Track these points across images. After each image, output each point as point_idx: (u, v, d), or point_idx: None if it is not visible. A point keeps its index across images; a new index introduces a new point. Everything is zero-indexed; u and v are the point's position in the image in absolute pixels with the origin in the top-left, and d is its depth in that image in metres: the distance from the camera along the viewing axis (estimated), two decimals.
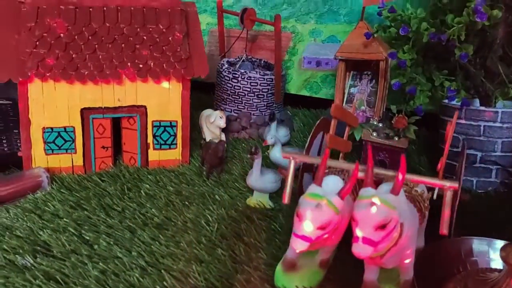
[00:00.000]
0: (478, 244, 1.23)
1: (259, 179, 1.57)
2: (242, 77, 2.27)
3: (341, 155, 1.58)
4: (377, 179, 1.17)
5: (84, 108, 1.70)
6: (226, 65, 2.35)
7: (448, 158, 1.36)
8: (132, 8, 1.75)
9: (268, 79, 2.30)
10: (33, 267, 1.20)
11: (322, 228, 0.98)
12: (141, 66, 1.71)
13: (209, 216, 1.49)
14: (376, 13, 1.92)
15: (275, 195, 1.63)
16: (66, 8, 1.67)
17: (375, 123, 1.84)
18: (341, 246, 1.17)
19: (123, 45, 1.71)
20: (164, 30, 1.76)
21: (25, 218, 1.42)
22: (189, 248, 1.32)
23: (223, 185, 1.73)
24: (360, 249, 0.92)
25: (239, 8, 2.43)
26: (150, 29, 1.75)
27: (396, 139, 1.74)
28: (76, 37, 1.66)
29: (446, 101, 1.78)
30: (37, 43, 1.61)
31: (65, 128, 1.70)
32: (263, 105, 2.34)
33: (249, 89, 2.29)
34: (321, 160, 1.09)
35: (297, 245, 0.98)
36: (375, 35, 1.96)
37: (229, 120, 2.17)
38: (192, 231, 1.41)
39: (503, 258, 1.00)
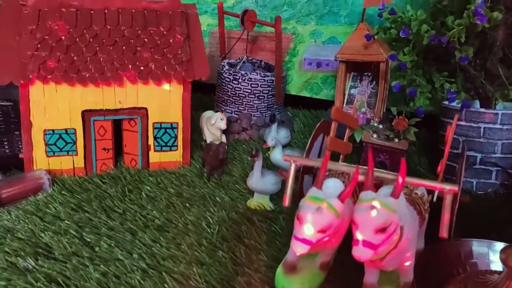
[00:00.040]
0: (477, 246, 1.24)
1: (260, 181, 1.57)
2: (243, 78, 2.28)
3: (341, 156, 1.58)
4: (378, 182, 1.17)
5: (85, 110, 1.70)
6: (227, 67, 2.35)
7: (448, 159, 1.36)
8: (133, 11, 1.75)
9: (268, 81, 2.31)
10: (34, 270, 1.21)
11: (322, 231, 0.98)
12: (142, 68, 1.72)
13: (209, 218, 1.49)
14: (376, 15, 1.92)
15: (276, 196, 1.64)
16: (67, 11, 1.67)
17: (375, 124, 1.85)
18: (342, 248, 1.18)
19: (124, 47, 1.71)
20: (165, 32, 1.76)
21: (27, 220, 1.43)
22: (190, 250, 1.32)
23: (224, 187, 1.73)
24: (360, 252, 0.93)
25: (239, 10, 2.43)
26: (151, 31, 1.75)
27: (396, 140, 1.74)
28: (77, 39, 1.67)
29: (446, 102, 1.79)
30: (39, 45, 1.62)
31: (66, 130, 1.70)
32: (263, 107, 2.34)
33: (249, 91, 2.29)
34: (321, 163, 1.10)
35: (298, 248, 0.99)
36: (376, 37, 1.96)
37: (229, 122, 2.17)
38: (193, 233, 1.41)
39: (503, 261, 1.01)
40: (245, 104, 2.32)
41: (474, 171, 1.76)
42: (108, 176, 1.75)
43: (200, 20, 1.92)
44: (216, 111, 2.19)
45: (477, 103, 1.77)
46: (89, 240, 1.35)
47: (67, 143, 1.71)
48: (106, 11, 1.72)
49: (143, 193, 1.64)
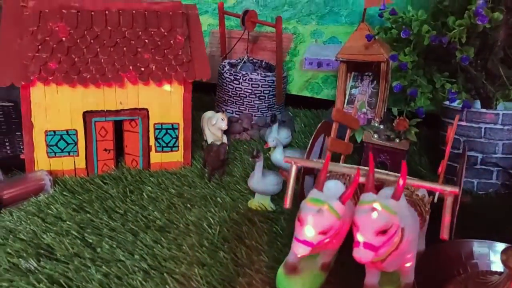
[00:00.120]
0: (478, 247, 1.24)
1: (261, 181, 1.58)
2: (244, 78, 2.28)
3: (342, 157, 1.58)
4: (378, 184, 1.18)
5: (87, 111, 1.71)
6: (228, 67, 2.35)
7: (449, 159, 1.36)
8: (134, 12, 1.75)
9: (269, 81, 2.31)
10: (36, 271, 1.21)
11: (323, 233, 0.99)
12: (143, 69, 1.72)
13: (211, 219, 1.50)
14: (377, 15, 1.92)
15: (277, 197, 1.64)
16: (68, 12, 1.68)
17: (376, 124, 1.85)
18: (343, 249, 1.18)
19: (125, 48, 1.71)
20: (165, 33, 1.77)
21: (28, 221, 1.43)
22: (191, 251, 1.33)
23: (225, 187, 1.73)
24: (361, 254, 0.93)
25: (240, 10, 2.43)
26: (152, 32, 1.75)
27: (397, 141, 1.74)
28: (78, 41, 1.67)
29: (447, 103, 1.79)
30: (40, 47, 1.62)
31: (67, 131, 1.70)
32: (264, 107, 2.34)
33: (250, 91, 2.29)
34: (322, 164, 1.10)
35: (299, 250, 0.99)
36: (376, 37, 1.96)
37: (230, 122, 2.17)
38: (194, 234, 1.41)
39: (504, 262, 1.01)
40: (246, 104, 2.32)
41: (475, 171, 1.76)
42: (110, 176, 1.75)
43: (200, 20, 1.92)
44: (217, 111, 2.19)
45: (478, 103, 1.77)
46: (90, 241, 1.35)
47: (68, 144, 1.72)
48: (106, 12, 1.73)
49: (144, 193, 1.65)
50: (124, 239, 1.37)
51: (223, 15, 2.48)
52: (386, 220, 0.93)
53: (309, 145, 1.45)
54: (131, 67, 1.71)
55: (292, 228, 1.04)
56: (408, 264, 1.08)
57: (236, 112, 2.34)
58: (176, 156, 1.88)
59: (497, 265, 1.20)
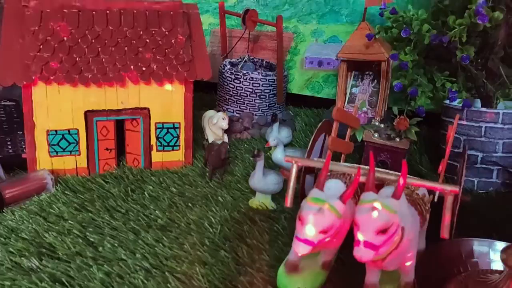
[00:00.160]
0: (478, 246, 1.24)
1: (262, 181, 1.58)
2: (244, 77, 2.28)
3: (342, 156, 1.59)
4: (379, 183, 1.18)
5: (88, 111, 1.71)
6: (228, 66, 2.36)
7: (449, 158, 1.37)
8: (135, 11, 1.76)
9: (270, 80, 2.31)
10: (39, 270, 1.22)
11: (324, 232, 0.99)
12: (144, 69, 1.72)
13: (212, 218, 1.50)
14: (377, 14, 1.93)
15: (278, 196, 1.65)
16: (70, 12, 1.68)
17: (376, 123, 1.85)
18: (343, 248, 1.19)
19: (126, 48, 1.72)
20: (166, 33, 1.77)
21: (30, 220, 1.44)
22: (192, 250, 1.33)
23: (226, 187, 1.74)
24: (361, 253, 0.93)
25: (241, 9, 2.43)
26: (153, 32, 1.76)
27: (398, 140, 1.75)
28: (79, 40, 1.68)
29: (448, 102, 1.79)
30: (41, 46, 1.62)
31: (69, 130, 1.71)
32: (265, 106, 2.35)
33: (251, 90, 2.30)
34: (323, 164, 1.10)
35: (300, 249, 0.99)
36: (377, 36, 1.97)
37: (231, 121, 2.18)
38: (196, 233, 1.42)
39: (504, 261, 1.01)
40: (247, 103, 2.33)
41: (475, 170, 1.76)
42: (111, 176, 1.76)
43: (201, 20, 1.93)
44: (218, 111, 2.20)
45: (478, 103, 1.78)
46: (92, 240, 1.36)
47: (70, 143, 1.72)
48: (108, 12, 1.73)
49: (145, 192, 1.65)
50: (125, 238, 1.37)
51: (223, 14, 2.49)
52: (387, 219, 0.93)
53: (310, 144, 1.45)
54: (132, 67, 1.71)
55: (293, 227, 1.05)
56: (408, 263, 1.08)
57: (237, 111, 2.34)
58: (177, 155, 1.88)
59: (497, 264, 1.20)
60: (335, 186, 1.14)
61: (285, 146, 1.94)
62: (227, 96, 2.35)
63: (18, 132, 1.80)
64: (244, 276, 1.23)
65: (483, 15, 1.53)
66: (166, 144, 1.85)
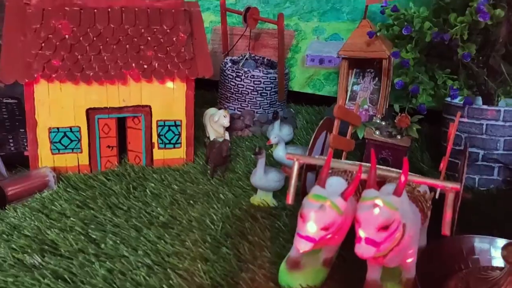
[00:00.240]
0: (479, 242, 1.24)
1: (263, 178, 1.58)
2: (246, 75, 2.29)
3: (343, 153, 1.59)
4: (380, 180, 1.18)
5: (90, 109, 1.72)
6: (230, 64, 2.36)
7: (450, 156, 1.37)
8: (136, 9, 1.76)
9: (271, 78, 2.31)
10: (41, 266, 1.22)
11: (325, 228, 0.99)
12: (145, 66, 1.73)
13: (213, 215, 1.51)
14: (379, 12, 1.93)
15: (279, 193, 1.65)
16: (71, 10, 1.68)
17: (378, 121, 1.86)
18: (345, 245, 1.19)
19: (127, 46, 1.72)
20: (168, 30, 1.77)
21: (33, 218, 1.44)
22: (194, 246, 1.33)
23: (227, 184, 1.74)
24: (363, 250, 0.94)
25: (242, 6, 2.44)
26: (154, 29, 1.76)
27: (399, 137, 1.75)
28: (81, 38, 1.68)
29: (449, 99, 1.79)
30: (43, 44, 1.63)
31: (71, 128, 1.71)
32: (266, 103, 2.35)
33: (252, 88, 2.30)
34: (324, 161, 1.11)
35: (301, 245, 1.00)
36: (378, 34, 1.97)
37: (232, 118, 2.18)
38: (197, 230, 1.42)
39: (504, 257, 1.02)
40: (248, 101, 2.33)
41: (476, 167, 1.76)
42: (113, 173, 1.76)
43: (202, 17, 1.93)
44: (219, 108, 2.20)
45: (479, 100, 1.78)
46: (94, 237, 1.36)
47: (72, 140, 1.73)
48: (109, 10, 1.73)
49: (147, 190, 1.66)
50: (127, 235, 1.38)
51: (225, 12, 2.49)
52: (388, 216, 0.94)
53: (311, 141, 1.46)
54: (134, 65, 1.71)
55: (294, 224, 1.05)
56: (409, 260, 1.09)
57: (238, 109, 2.35)
58: (179, 153, 1.89)
59: (498, 261, 1.20)
60: (336, 183, 1.15)
61: (286, 143, 1.94)
62: (229, 93, 2.35)
63: (20, 130, 1.81)
64: (245, 272, 1.23)
65: (485, 13, 1.53)
66: (167, 141, 1.85)
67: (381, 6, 1.86)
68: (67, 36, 1.66)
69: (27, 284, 1.15)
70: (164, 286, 1.16)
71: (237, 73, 2.30)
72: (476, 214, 1.52)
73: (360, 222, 0.95)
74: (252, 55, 2.50)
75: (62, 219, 1.45)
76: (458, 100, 1.76)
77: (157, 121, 1.82)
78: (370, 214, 0.94)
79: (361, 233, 0.94)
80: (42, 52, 1.62)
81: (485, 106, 1.72)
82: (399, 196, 0.98)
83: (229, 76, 2.32)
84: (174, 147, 1.87)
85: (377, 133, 1.78)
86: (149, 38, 1.75)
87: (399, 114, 1.73)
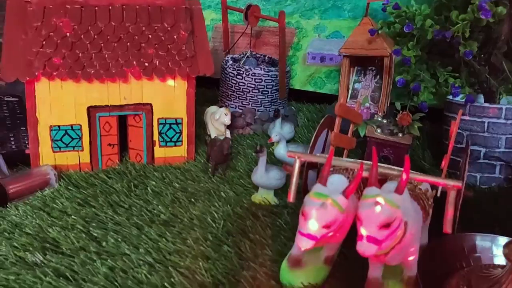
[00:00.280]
0: (481, 240, 1.24)
1: (264, 176, 1.58)
2: (247, 73, 2.28)
3: (345, 151, 1.59)
4: (382, 178, 1.18)
5: (91, 107, 1.71)
6: (231, 62, 2.36)
7: (452, 154, 1.37)
8: (137, 7, 1.76)
9: (272, 76, 2.31)
10: (43, 264, 1.23)
11: (327, 226, 0.99)
12: (146, 64, 1.72)
13: (215, 213, 1.51)
14: (380, 9, 1.92)
15: (280, 191, 1.65)
16: (72, 8, 1.68)
17: (379, 119, 1.85)
18: (346, 243, 1.19)
19: (128, 44, 1.72)
20: (169, 28, 1.77)
21: (34, 216, 1.44)
22: (195, 245, 1.33)
23: (228, 182, 1.74)
24: (364, 248, 0.94)
25: (243, 4, 2.43)
26: (155, 27, 1.76)
27: (400, 135, 1.74)
28: (82, 36, 1.68)
29: (450, 97, 1.79)
30: (44, 42, 1.63)
31: (72, 126, 1.71)
32: (267, 101, 2.35)
33: (253, 86, 2.30)
34: (326, 159, 1.11)
35: (302, 243, 1.00)
36: (380, 31, 1.96)
37: (233, 116, 2.18)
38: (199, 228, 1.42)
39: (506, 256, 1.01)
40: (249, 99, 2.33)
41: (478, 165, 1.76)
42: (114, 171, 1.76)
43: (203, 15, 1.92)
44: (220, 106, 2.20)
45: (481, 98, 1.77)
46: (96, 235, 1.36)
47: (73, 138, 1.73)
48: (110, 7, 1.73)
49: (148, 188, 1.66)
50: (129, 233, 1.38)
51: (226, 10, 2.48)
52: (389, 214, 0.94)
53: (312, 139, 1.46)
54: (135, 62, 1.71)
55: (295, 222, 1.05)
56: (411, 258, 1.09)
57: (239, 107, 2.34)
58: (180, 151, 1.89)
59: (499, 259, 1.20)
60: (338, 181, 1.14)
61: (288, 141, 1.94)
62: (230, 91, 2.35)
63: (21, 128, 1.81)
64: (247, 271, 1.23)
65: (486, 10, 1.53)
66: (168, 139, 1.85)
67: (383, 4, 1.85)
68: (68, 34, 1.66)
69: (28, 282, 1.15)
70: (165, 284, 1.16)
71: (238, 71, 2.30)
72: (478, 212, 1.52)
73: (361, 220, 0.95)
74: (253, 53, 2.50)
75: (64, 217, 1.45)
76: (459, 98, 1.76)
77: (158, 119, 1.81)
78: (371, 212, 0.94)
79: (363, 231, 0.94)
80: (43, 50, 1.62)
81: (487, 104, 1.72)
82: (400, 194, 0.98)
83: (230, 74, 2.32)
84: (175, 145, 1.87)
85: (379, 131, 1.78)
86: (150, 36, 1.75)
87: (401, 112, 1.73)
